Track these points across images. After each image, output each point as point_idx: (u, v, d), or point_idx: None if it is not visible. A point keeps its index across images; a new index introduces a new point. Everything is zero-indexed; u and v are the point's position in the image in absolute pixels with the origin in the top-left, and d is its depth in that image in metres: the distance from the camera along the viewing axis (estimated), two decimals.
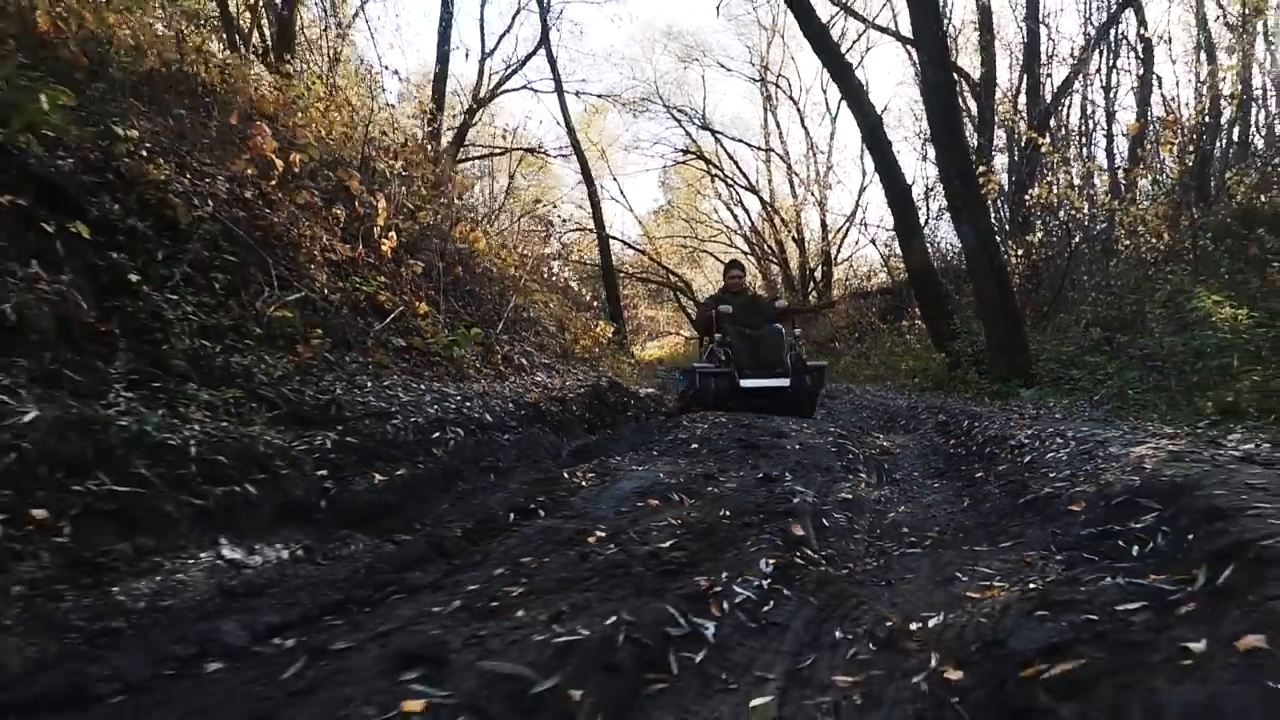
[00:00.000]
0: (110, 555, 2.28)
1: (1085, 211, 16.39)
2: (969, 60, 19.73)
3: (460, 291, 6.84)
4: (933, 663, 1.62)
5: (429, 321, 5.36)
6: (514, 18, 22.20)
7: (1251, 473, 2.47)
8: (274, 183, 4.72)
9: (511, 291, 8.02)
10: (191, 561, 2.40)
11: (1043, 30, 18.97)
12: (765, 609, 1.99)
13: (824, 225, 27.63)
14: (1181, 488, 2.39)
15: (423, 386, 4.68)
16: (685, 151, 29.11)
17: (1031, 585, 1.96)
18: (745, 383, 6.75)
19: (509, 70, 19.84)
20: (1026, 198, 16.84)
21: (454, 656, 1.53)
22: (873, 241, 26.91)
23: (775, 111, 29.23)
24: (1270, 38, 16.47)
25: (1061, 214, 16.67)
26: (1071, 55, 19.00)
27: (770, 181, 30.15)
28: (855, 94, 11.65)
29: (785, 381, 6.85)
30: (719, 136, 28.78)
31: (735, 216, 31.23)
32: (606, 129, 31.04)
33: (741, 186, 29.33)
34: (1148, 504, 2.41)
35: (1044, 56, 18.99)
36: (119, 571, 2.25)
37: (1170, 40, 19.35)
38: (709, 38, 44.84)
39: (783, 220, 28.66)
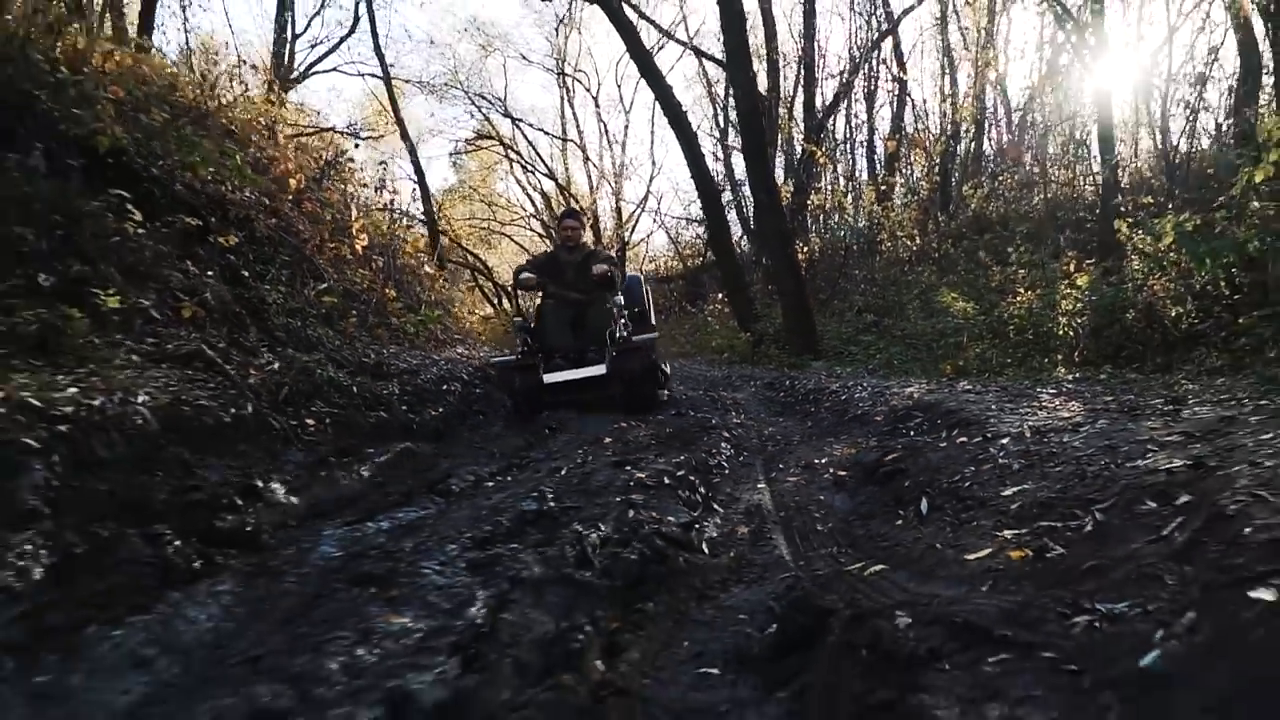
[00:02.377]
0: (353, 446, 3.79)
1: (852, 215, 19.68)
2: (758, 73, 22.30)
3: (398, 279, 8.17)
4: (831, 470, 3.55)
5: (397, 305, 6.76)
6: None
7: (968, 397, 4.65)
8: (290, 195, 5.95)
9: (426, 278, 9.37)
10: (389, 452, 3.92)
11: (817, 49, 22.06)
12: (740, 460, 3.88)
13: (619, 212, 29.97)
14: (933, 404, 4.51)
15: (415, 354, 6.15)
16: (485, 136, 30.01)
17: (855, 448, 3.95)
18: (549, 377, 5.45)
19: (327, 51, 20.23)
20: (807, 202, 20.01)
21: (629, 467, 3.27)
22: (665, 229, 29.82)
23: (572, 103, 31.15)
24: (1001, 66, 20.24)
25: (836, 217, 19.94)
26: (841, 74, 22.36)
27: (567, 169, 32.00)
28: (675, 111, 13.70)
29: (600, 369, 5.48)
30: (519, 124, 30.17)
31: (533, 201, 32.65)
32: (408, 113, 31.43)
33: (541, 173, 30.90)
34: (916, 412, 4.50)
35: (819, 74, 22.16)
36: (360, 456, 3.75)
37: (924, 53, 23.11)
38: (512, 29, 45.80)
39: (578, 203, 30.51)
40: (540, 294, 6.24)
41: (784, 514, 2.93)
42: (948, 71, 22.03)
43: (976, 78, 20.64)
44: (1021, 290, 8.35)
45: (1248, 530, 1.43)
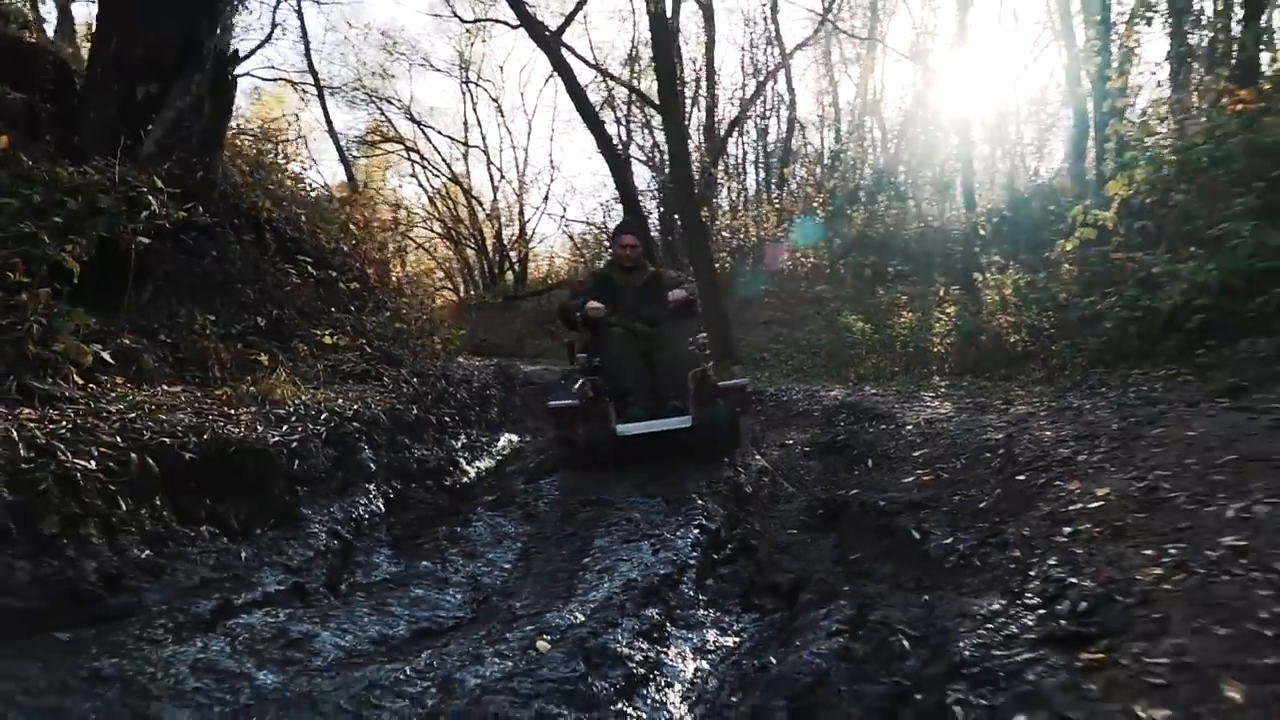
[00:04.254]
0: (466, 433, 5.50)
1: (752, 233, 22.05)
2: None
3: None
4: (800, 447, 5.51)
5: (425, 323, 8.36)
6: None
7: (876, 398, 6.72)
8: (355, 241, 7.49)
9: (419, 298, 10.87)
10: (498, 436, 5.63)
11: (719, 78, 24.35)
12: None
13: (521, 215, 31.37)
14: (854, 403, 6.55)
15: (451, 365, 7.79)
16: (389, 139, 30.70)
17: (808, 433, 5.92)
18: (625, 428, 4.63)
19: (244, 56, 21.04)
20: (714, 220, 22.21)
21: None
22: (570, 236, 31.55)
23: (476, 109, 32.31)
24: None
25: (740, 236, 22.25)
26: (740, 99, 24.77)
27: (469, 174, 33.01)
28: (609, 145, 15.59)
29: (686, 421, 4.64)
30: (425, 128, 31.14)
31: (436, 205, 33.36)
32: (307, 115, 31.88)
33: (446, 177, 31.79)
34: (843, 410, 6.52)
35: (719, 101, 24.46)
36: (491, 441, 5.46)
37: (811, 81, 25.73)
38: (421, 37, 46.40)
39: (483, 207, 31.61)
40: (592, 325, 5.11)
41: (782, 471, 4.86)
42: (832, 99, 24.90)
43: (858, 108, 23.58)
44: (905, 313, 10.63)
45: (1022, 460, 3.43)
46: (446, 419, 5.44)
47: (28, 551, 2.27)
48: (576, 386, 4.75)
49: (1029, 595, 1.87)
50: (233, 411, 3.58)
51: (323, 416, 3.99)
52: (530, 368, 11.46)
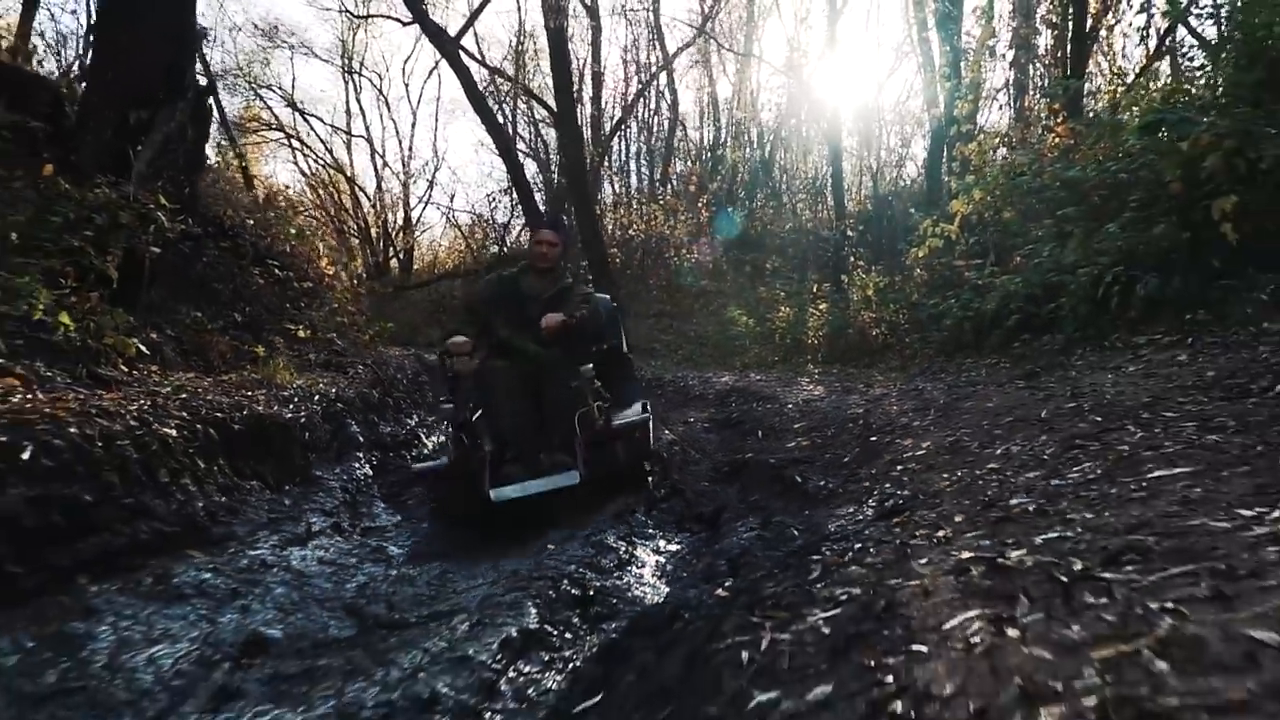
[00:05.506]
0: (415, 414, 6.31)
1: (641, 230, 23.18)
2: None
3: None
4: (701, 423, 6.58)
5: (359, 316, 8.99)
6: None
7: (761, 383, 7.88)
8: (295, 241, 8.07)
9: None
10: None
11: (604, 77, 25.39)
12: None
13: (406, 203, 31.53)
14: (743, 388, 7.69)
15: (384, 354, 8.49)
16: (268, 125, 30.22)
17: (705, 412, 7.01)
18: (498, 494, 3.74)
19: None
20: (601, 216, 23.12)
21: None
22: (456, 225, 31.86)
23: (359, 98, 32.05)
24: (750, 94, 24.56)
25: (632, 231, 23.31)
26: (623, 96, 25.94)
27: (352, 162, 32.86)
28: (507, 146, 16.35)
29: (572, 478, 3.82)
30: (308, 117, 30.90)
31: (318, 192, 32.90)
32: None
33: (329, 165, 31.59)
34: (733, 393, 7.65)
35: (604, 101, 25.52)
36: (435, 420, 6.27)
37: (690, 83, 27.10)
38: (303, 25, 45.34)
39: (367, 197, 31.60)
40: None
41: (688, 442, 5.90)
42: (711, 96, 26.40)
43: (734, 108, 25.11)
44: (783, 308, 11.95)
45: (875, 427, 4.58)
46: (401, 401, 6.23)
47: (156, 494, 3.04)
48: (445, 438, 4.06)
49: (870, 503, 2.94)
50: (249, 393, 4.33)
51: (316, 398, 4.76)
52: (432, 357, 12.04)
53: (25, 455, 2.44)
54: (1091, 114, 9.19)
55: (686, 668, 1.52)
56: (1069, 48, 9.88)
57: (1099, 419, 2.99)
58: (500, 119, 23.05)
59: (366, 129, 32.45)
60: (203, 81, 6.48)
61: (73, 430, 2.70)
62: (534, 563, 2.75)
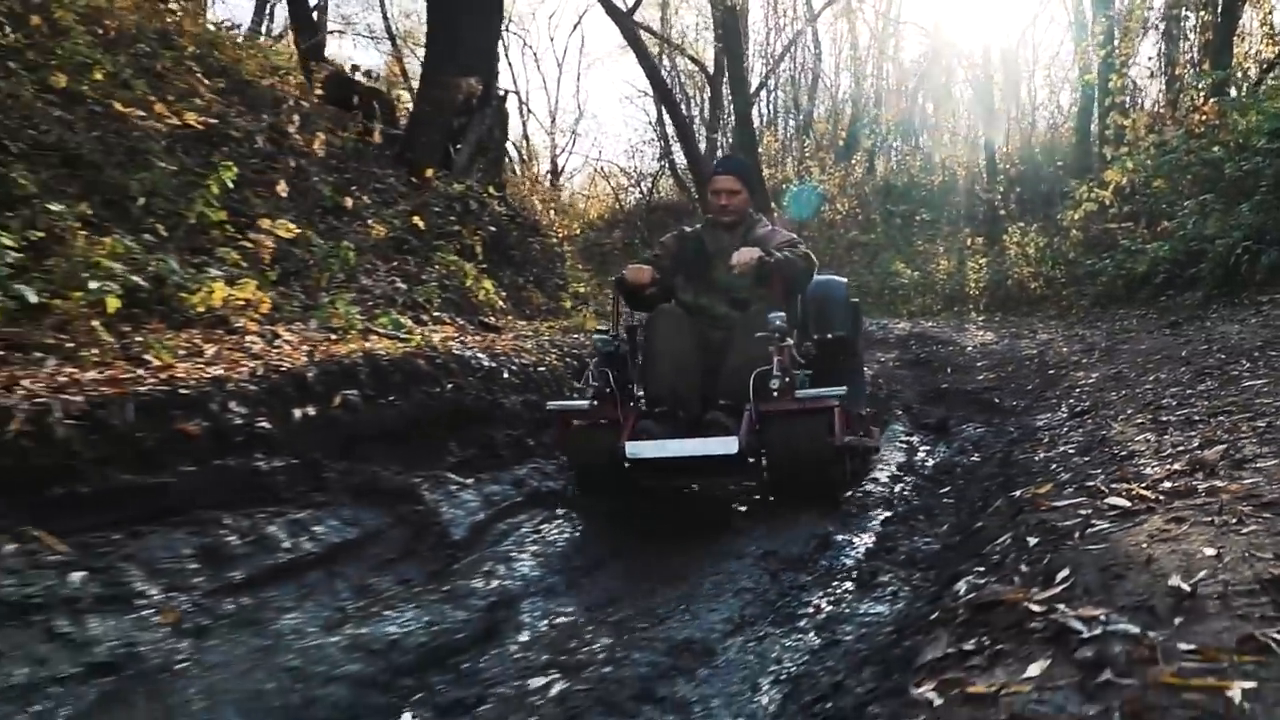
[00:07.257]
0: None
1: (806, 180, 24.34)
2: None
3: None
4: (890, 363, 8.19)
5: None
6: None
7: (935, 330, 9.37)
8: None
9: None
10: None
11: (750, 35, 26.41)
12: None
13: (553, 155, 33.48)
14: (920, 333, 9.21)
15: None
16: None
17: (891, 354, 8.58)
18: (634, 449, 3.14)
19: None
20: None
21: None
22: (604, 176, 33.69)
23: (507, 53, 33.98)
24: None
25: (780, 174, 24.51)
26: (770, 57, 26.97)
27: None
28: (664, 90, 17.91)
29: (729, 444, 3.10)
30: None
31: None
32: None
33: None
34: (913, 337, 9.17)
35: (748, 58, 26.58)
36: None
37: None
38: None
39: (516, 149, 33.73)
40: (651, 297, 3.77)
41: (886, 379, 7.51)
42: (852, 47, 27.06)
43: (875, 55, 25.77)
44: (942, 260, 13.23)
45: (1049, 361, 6.10)
46: None
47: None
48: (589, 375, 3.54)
49: (1062, 410, 4.53)
50: (576, 335, 6.21)
51: None
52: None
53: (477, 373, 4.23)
54: (1234, 95, 10.01)
55: (999, 468, 3.23)
56: (1214, 33, 10.62)
57: (1223, 356, 4.46)
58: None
59: (514, 82, 34.50)
60: (500, 91, 8.34)
61: (492, 357, 4.57)
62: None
